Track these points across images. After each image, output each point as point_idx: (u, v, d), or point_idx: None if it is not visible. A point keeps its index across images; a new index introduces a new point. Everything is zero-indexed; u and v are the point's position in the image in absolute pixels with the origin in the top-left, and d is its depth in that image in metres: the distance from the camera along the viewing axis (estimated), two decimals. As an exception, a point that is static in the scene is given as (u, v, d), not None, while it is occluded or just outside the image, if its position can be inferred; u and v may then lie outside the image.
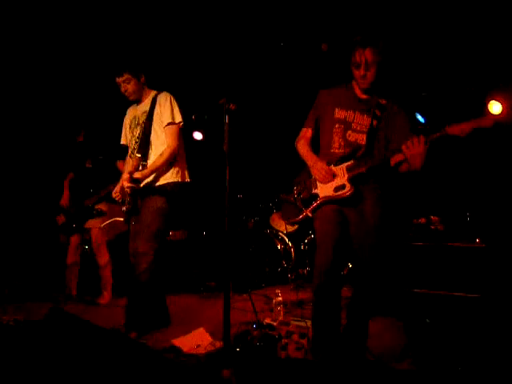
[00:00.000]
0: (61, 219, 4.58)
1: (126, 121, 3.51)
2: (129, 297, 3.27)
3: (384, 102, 2.59)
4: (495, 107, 4.88)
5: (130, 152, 3.42)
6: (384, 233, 2.56)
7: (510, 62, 4.43)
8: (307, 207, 2.69)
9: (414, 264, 3.88)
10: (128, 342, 2.43)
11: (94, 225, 4.43)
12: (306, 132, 2.82)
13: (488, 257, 3.61)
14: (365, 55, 2.46)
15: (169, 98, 3.28)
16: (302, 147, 2.80)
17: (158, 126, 3.26)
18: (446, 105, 4.84)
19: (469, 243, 3.74)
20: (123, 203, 3.24)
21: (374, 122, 2.57)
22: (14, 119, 5.57)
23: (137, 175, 3.13)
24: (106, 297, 4.43)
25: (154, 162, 3.18)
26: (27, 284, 5.03)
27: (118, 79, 3.28)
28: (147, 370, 2.15)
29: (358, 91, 2.67)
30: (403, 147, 2.35)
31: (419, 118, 4.86)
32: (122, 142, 3.54)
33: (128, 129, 3.46)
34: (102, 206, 4.35)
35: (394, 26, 4.66)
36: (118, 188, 3.33)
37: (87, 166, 4.59)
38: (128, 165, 3.43)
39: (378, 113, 2.57)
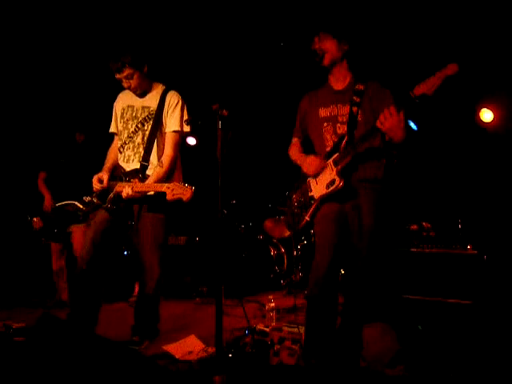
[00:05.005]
0: (38, 224, 4.24)
1: (118, 108, 3.21)
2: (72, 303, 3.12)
3: (361, 86, 2.60)
4: (486, 115, 4.93)
5: (119, 144, 3.16)
6: (380, 232, 2.57)
7: (501, 69, 4.48)
8: (306, 212, 2.70)
9: (406, 270, 3.89)
10: (119, 349, 2.41)
11: (78, 230, 4.25)
12: (294, 141, 2.93)
13: (480, 263, 3.62)
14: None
15: (180, 102, 3.07)
16: (293, 153, 2.89)
17: (162, 127, 3.07)
18: (439, 111, 4.87)
19: (460, 250, 3.76)
20: (100, 198, 3.03)
21: (354, 109, 2.57)
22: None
23: (141, 188, 2.83)
24: None
25: (157, 172, 2.97)
26: (17, 290, 4.97)
27: (118, 76, 2.96)
28: (139, 377, 2.14)
29: (333, 84, 2.72)
30: (377, 123, 2.34)
31: (412, 125, 4.89)
32: (111, 130, 3.27)
33: (119, 117, 3.18)
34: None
35: (387, 31, 4.71)
36: (104, 178, 3.02)
37: (61, 160, 4.39)
38: (113, 155, 3.22)
39: (356, 99, 2.58)
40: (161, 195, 2.75)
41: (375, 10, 4.55)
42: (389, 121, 2.29)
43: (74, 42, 5.07)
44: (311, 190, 2.69)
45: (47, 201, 4.41)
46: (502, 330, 3.10)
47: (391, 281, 3.85)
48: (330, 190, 2.56)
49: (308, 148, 2.86)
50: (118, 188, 2.97)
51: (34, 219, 4.25)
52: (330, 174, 2.57)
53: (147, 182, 2.93)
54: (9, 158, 5.56)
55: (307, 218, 2.69)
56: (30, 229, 4.31)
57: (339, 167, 2.53)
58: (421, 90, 2.23)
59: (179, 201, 2.65)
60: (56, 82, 5.47)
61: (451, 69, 2.20)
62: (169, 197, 2.67)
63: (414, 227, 4.31)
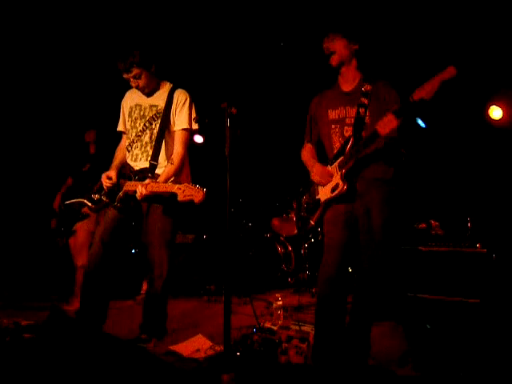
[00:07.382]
0: (54, 223, 4.47)
1: (125, 106, 3.23)
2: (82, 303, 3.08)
3: (369, 87, 2.55)
4: (496, 112, 4.89)
5: (127, 143, 3.17)
6: (390, 232, 2.54)
7: (511, 67, 4.43)
8: (313, 215, 2.69)
9: (415, 269, 3.87)
10: (127, 346, 2.42)
11: (82, 227, 4.30)
12: (307, 144, 2.89)
13: (489, 262, 3.60)
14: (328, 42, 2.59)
15: (188, 100, 3.07)
16: (304, 156, 2.86)
17: (170, 126, 3.08)
18: (448, 109, 4.83)
19: (469, 248, 3.73)
20: (110, 196, 3.05)
21: (361, 111, 2.53)
22: (13, 119, 5.49)
23: (152, 188, 2.81)
24: (75, 303, 4.13)
25: (167, 170, 2.98)
26: (27, 286, 5.00)
27: (126, 76, 2.97)
28: (147, 374, 2.14)
29: (342, 85, 2.68)
30: (377, 128, 2.33)
31: (420, 123, 4.86)
32: (119, 129, 3.28)
33: (127, 116, 3.20)
34: (87, 209, 3.94)
35: (396, 29, 4.68)
36: (112, 175, 3.05)
37: (84, 169, 4.45)
38: (121, 153, 3.23)
39: (363, 100, 2.54)
40: (171, 195, 2.74)
41: (385, 11, 4.52)
42: (389, 126, 2.29)
43: (83, 43, 5.10)
44: (318, 193, 2.69)
45: (56, 201, 4.53)
46: (510, 328, 3.08)
47: (400, 279, 3.84)
48: (334, 194, 2.55)
49: (322, 148, 2.84)
50: (127, 187, 2.97)
51: (53, 220, 4.45)
52: (335, 177, 2.57)
53: (158, 180, 2.92)
54: (42, 161, 5.68)
55: (312, 223, 2.70)
56: (50, 227, 4.47)
57: (343, 171, 2.52)
58: (419, 95, 2.20)
59: (190, 202, 2.64)
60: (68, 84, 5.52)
61: (449, 72, 2.14)
62: (180, 198, 2.65)
63: (423, 226, 4.28)
